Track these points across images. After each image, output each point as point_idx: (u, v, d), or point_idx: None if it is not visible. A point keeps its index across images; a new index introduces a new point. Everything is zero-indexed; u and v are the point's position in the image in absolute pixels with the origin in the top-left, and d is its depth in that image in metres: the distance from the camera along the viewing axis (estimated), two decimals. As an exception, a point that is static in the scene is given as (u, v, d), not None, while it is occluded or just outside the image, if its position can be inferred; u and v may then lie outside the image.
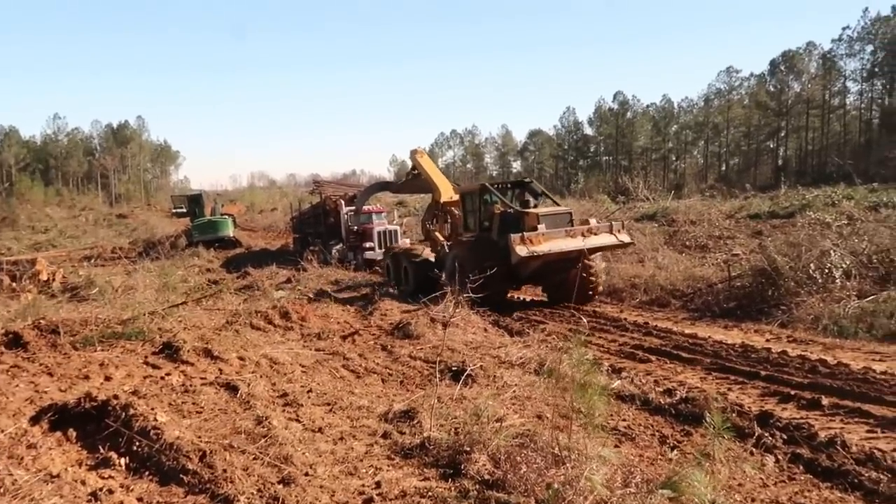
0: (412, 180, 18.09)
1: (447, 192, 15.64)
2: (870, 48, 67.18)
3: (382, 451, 4.94)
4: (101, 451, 4.74)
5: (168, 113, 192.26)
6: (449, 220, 15.49)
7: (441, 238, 15.53)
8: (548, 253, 11.40)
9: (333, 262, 19.52)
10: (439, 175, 16.71)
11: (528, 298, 14.52)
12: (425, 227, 16.51)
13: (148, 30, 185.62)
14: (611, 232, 12.36)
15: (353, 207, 22.08)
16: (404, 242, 20.42)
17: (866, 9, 67.09)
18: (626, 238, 12.58)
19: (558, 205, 14.58)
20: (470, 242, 13.44)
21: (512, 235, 11.41)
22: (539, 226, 11.89)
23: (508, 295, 13.88)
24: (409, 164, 18.09)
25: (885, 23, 64.41)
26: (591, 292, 12.96)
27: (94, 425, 5.11)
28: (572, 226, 12.49)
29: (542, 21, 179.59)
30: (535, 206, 13.29)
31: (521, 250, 11.22)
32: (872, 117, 70.17)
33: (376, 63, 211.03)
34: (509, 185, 14.54)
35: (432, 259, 15.08)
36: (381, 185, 23.56)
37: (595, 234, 12.13)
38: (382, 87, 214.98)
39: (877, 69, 67.54)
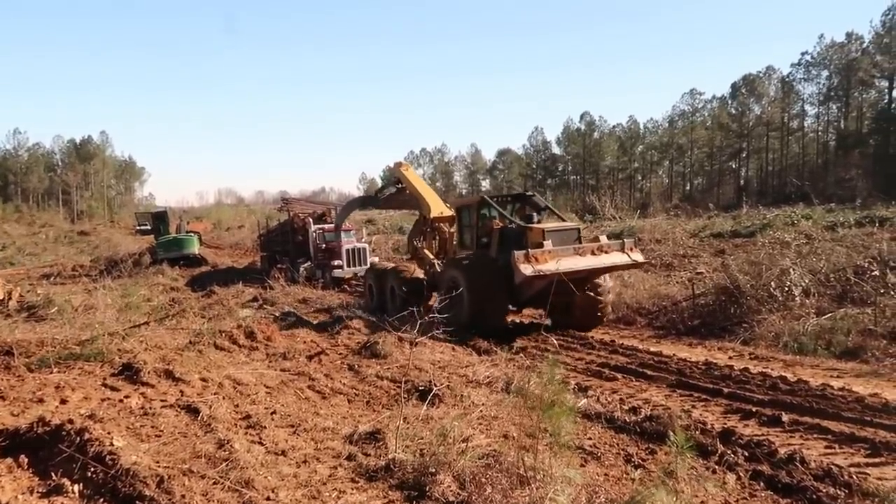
0: (396, 195, 17.02)
1: (437, 208, 14.65)
2: (825, 73, 69.72)
3: (347, 474, 4.87)
4: (54, 477, 4.58)
5: (134, 129, 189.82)
6: (438, 237, 14.72)
7: (430, 256, 14.58)
8: (555, 272, 10.06)
9: (301, 280, 19.39)
10: (427, 189, 15.72)
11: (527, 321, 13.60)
12: (412, 245, 15.55)
13: (114, 46, 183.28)
14: (622, 250, 11.26)
15: (321, 226, 21.93)
16: (374, 260, 20.32)
17: (821, 35, 69.78)
18: (639, 257, 11.49)
19: (564, 220, 13.22)
20: (467, 261, 12.24)
21: (515, 252, 10.35)
22: (545, 242, 10.84)
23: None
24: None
25: (840, 49, 66.84)
26: (598, 316, 12.07)
27: (46, 451, 4.94)
28: (581, 243, 11.47)
29: (511, 42, 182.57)
30: (539, 222, 12.07)
31: (526, 269, 10.18)
32: (829, 139, 72.64)
33: (346, 81, 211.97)
34: (509, 199, 13.34)
35: (422, 278, 14.12)
36: (363, 201, 21.95)
37: (606, 253, 11.09)
38: (352, 105, 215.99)
39: (832, 93, 70.01)
